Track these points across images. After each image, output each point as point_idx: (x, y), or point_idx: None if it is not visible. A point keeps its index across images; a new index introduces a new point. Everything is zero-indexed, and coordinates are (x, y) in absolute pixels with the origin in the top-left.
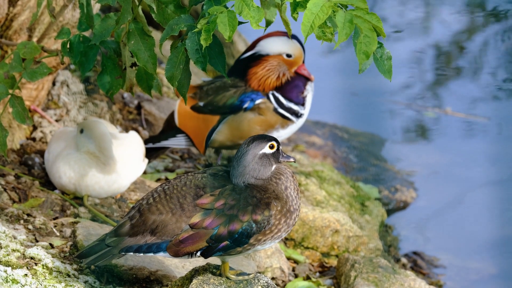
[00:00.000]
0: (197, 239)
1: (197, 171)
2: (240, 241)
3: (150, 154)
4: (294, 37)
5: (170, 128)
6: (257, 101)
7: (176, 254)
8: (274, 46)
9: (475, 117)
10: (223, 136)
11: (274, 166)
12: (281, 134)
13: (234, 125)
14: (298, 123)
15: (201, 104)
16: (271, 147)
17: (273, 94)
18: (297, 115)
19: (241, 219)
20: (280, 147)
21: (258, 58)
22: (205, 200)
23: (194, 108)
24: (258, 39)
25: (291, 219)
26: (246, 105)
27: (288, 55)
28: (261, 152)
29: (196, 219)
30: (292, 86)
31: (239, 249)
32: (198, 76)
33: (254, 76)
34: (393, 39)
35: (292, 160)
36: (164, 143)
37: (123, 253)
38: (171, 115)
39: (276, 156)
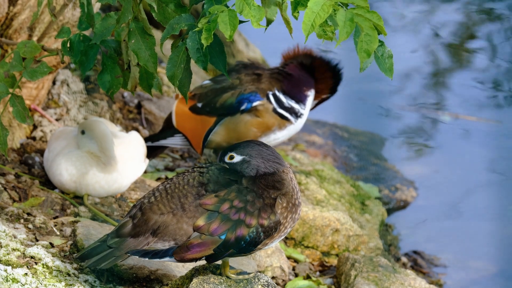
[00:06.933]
0: (204, 247)
1: (200, 167)
2: (246, 249)
3: (149, 152)
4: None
5: (170, 127)
6: (255, 103)
7: (181, 260)
8: None
9: (486, 121)
10: (220, 137)
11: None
12: (278, 136)
13: (230, 126)
14: (297, 124)
15: (199, 105)
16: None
17: (273, 95)
18: (297, 114)
19: (248, 224)
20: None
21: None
22: (208, 201)
23: (192, 109)
24: None
25: (296, 213)
26: (243, 107)
27: None
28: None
29: (200, 222)
30: (297, 82)
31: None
32: (199, 75)
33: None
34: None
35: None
36: (162, 142)
37: (129, 254)
38: (171, 114)
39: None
